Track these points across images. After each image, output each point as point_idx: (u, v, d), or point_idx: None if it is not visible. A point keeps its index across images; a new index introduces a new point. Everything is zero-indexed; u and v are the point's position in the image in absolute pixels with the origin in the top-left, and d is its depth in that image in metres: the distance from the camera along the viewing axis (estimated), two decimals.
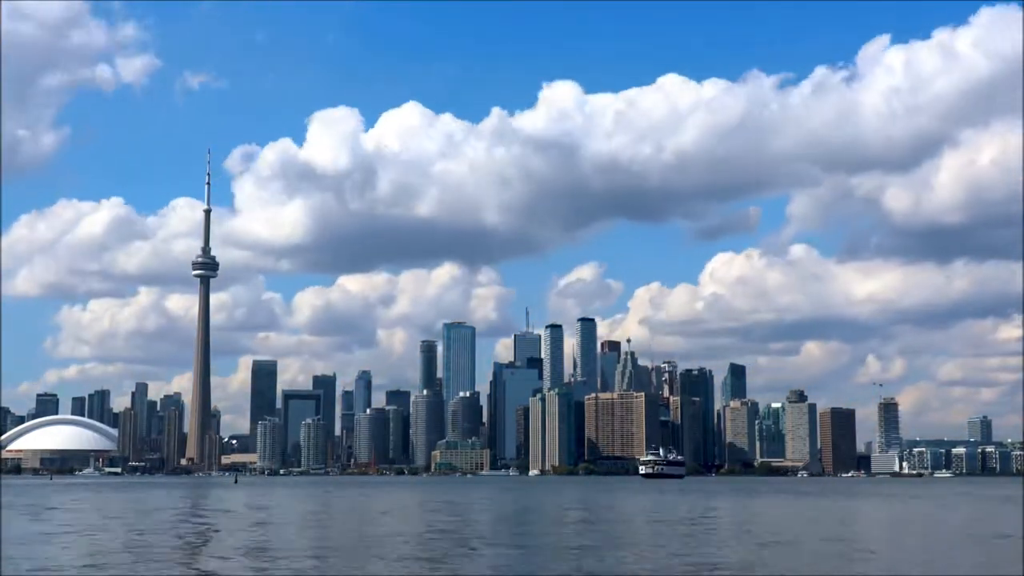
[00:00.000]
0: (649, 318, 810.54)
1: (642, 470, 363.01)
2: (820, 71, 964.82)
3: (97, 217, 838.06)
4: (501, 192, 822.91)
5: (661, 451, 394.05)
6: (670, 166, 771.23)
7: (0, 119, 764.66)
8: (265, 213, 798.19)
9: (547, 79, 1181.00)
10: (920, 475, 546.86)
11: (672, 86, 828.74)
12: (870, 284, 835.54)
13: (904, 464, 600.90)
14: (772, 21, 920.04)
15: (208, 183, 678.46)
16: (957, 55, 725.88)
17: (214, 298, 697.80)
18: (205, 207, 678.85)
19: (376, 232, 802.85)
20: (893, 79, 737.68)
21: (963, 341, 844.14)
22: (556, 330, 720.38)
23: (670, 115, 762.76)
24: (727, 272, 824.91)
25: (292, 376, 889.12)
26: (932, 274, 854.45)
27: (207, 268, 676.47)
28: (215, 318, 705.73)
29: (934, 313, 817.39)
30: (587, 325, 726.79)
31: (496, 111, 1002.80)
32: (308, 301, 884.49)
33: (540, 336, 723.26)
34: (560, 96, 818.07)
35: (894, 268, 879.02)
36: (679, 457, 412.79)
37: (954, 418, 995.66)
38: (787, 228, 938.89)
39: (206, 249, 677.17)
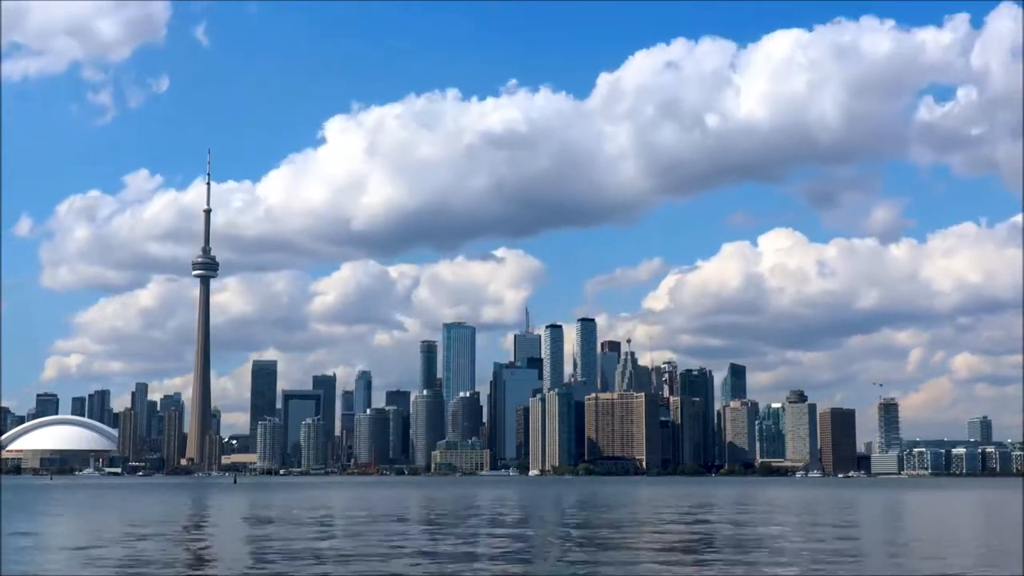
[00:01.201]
0: (682, 307, 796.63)
1: None
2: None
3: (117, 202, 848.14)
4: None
5: None
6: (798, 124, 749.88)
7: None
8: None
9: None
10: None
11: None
12: (963, 265, 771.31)
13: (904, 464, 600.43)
14: None
15: (208, 183, 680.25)
16: None
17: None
18: (205, 207, 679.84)
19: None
20: None
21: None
22: (556, 330, 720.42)
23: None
24: (789, 257, 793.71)
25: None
26: None
27: (207, 268, 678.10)
28: (231, 311, 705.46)
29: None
30: (587, 325, 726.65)
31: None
32: (338, 287, 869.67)
33: (540, 336, 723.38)
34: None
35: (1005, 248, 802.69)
36: None
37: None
38: (897, 201, 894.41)
39: (206, 249, 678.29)
